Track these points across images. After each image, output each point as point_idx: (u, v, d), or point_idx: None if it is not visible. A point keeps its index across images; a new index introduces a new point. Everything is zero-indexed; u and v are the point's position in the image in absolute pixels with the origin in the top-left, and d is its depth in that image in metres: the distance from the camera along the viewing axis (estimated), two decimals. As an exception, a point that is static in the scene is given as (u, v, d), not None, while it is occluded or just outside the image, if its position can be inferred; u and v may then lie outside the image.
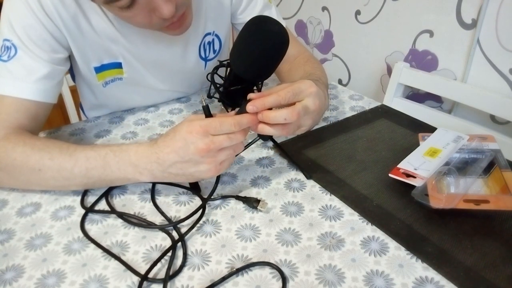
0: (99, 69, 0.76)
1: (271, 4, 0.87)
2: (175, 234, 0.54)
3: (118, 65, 0.77)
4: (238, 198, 0.59)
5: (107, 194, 0.61)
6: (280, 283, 0.46)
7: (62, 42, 0.68)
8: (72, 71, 0.82)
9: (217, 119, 0.52)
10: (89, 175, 0.57)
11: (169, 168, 0.54)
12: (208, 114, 0.55)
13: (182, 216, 0.56)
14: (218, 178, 0.59)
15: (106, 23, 0.70)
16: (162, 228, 0.54)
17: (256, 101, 0.54)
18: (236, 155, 0.60)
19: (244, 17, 0.87)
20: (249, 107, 0.53)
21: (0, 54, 0.64)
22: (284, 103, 0.55)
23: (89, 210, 0.58)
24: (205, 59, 0.87)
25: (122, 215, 0.57)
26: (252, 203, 0.57)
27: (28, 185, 0.61)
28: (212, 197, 0.58)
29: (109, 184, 0.60)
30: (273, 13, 0.88)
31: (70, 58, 0.73)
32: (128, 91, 0.83)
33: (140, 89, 0.83)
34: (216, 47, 0.87)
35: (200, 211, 0.57)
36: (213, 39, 0.85)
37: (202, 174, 0.54)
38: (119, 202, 0.60)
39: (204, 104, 0.55)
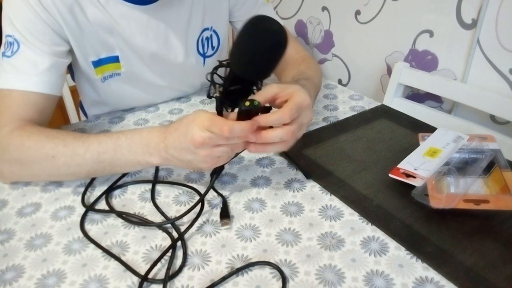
0: (97, 64, 0.76)
1: (268, 4, 0.87)
2: (175, 235, 0.54)
3: (115, 59, 0.77)
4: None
5: (107, 193, 0.61)
6: (280, 283, 0.46)
7: (61, 35, 0.69)
8: (71, 69, 0.82)
9: (219, 121, 0.51)
10: (100, 159, 0.57)
11: (172, 150, 0.55)
12: (219, 106, 0.55)
13: (183, 217, 0.56)
14: (215, 175, 0.59)
15: (103, 14, 0.70)
16: (159, 226, 0.54)
17: (261, 119, 0.53)
18: (237, 154, 0.60)
19: (241, 15, 0.87)
20: (254, 122, 0.52)
21: (4, 51, 0.65)
22: (288, 122, 0.54)
23: (90, 208, 0.58)
24: (204, 55, 0.87)
25: (121, 214, 0.57)
26: None
27: (40, 173, 0.61)
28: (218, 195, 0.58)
29: (119, 170, 0.60)
30: (270, 12, 0.88)
31: (70, 52, 0.74)
32: (127, 87, 0.83)
33: (139, 85, 0.83)
34: (215, 43, 0.87)
35: (200, 212, 0.57)
36: (211, 35, 0.86)
37: (198, 163, 0.55)
38: (119, 202, 0.60)
39: (218, 95, 0.54)
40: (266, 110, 0.55)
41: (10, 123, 0.62)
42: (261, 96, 0.55)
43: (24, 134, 0.60)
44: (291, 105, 0.54)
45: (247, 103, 0.53)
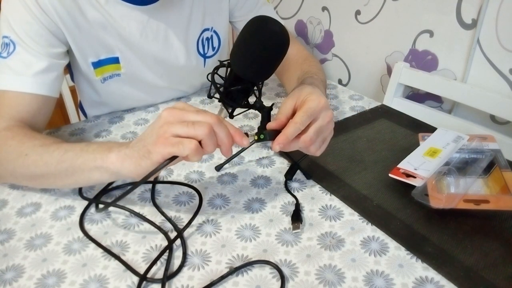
0: (97, 65, 0.76)
1: (269, 4, 0.87)
2: (175, 234, 0.54)
3: (115, 60, 0.77)
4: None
5: (105, 191, 0.61)
6: (280, 283, 0.46)
7: (59, 36, 0.69)
8: (70, 69, 0.82)
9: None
10: (64, 158, 0.54)
11: (135, 141, 0.50)
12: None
13: (182, 216, 0.56)
14: (197, 210, 0.57)
15: (102, 15, 0.70)
16: (154, 224, 0.54)
17: (280, 139, 0.52)
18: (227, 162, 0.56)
19: (242, 15, 0.87)
20: (276, 147, 0.52)
21: (0, 52, 0.65)
22: (303, 128, 0.53)
23: (92, 201, 0.58)
24: (204, 56, 0.87)
25: (122, 208, 0.57)
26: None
27: (12, 174, 0.60)
28: (211, 197, 0.58)
29: (79, 176, 0.54)
30: (271, 12, 0.88)
31: (69, 53, 0.74)
32: (127, 87, 0.83)
33: (139, 86, 0.83)
34: (215, 44, 0.87)
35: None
36: (211, 35, 0.86)
37: (152, 142, 0.47)
38: (119, 202, 0.60)
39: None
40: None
41: (1, 123, 0.62)
42: (281, 115, 0.55)
43: (9, 134, 0.60)
44: (301, 112, 0.53)
45: (256, 137, 0.54)
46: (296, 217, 0.55)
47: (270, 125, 0.55)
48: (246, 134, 0.52)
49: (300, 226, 0.54)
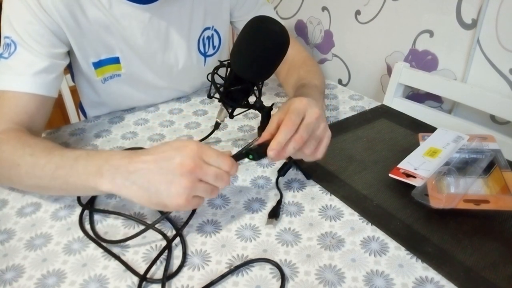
0: (98, 65, 0.76)
1: (269, 4, 0.87)
2: (174, 233, 0.54)
3: (116, 60, 0.77)
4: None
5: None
6: (280, 283, 0.46)
7: (61, 37, 0.69)
8: (71, 70, 0.82)
9: (215, 151, 0.50)
10: (56, 175, 0.53)
11: (135, 174, 0.48)
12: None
13: (182, 216, 0.56)
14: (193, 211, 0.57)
15: (103, 14, 0.70)
16: (153, 226, 0.54)
17: (273, 146, 0.52)
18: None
19: (242, 15, 0.88)
20: (270, 153, 0.52)
21: (1, 52, 0.65)
22: (295, 128, 0.53)
23: (86, 207, 0.58)
24: (205, 55, 0.87)
25: (119, 214, 0.57)
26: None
27: (9, 181, 0.60)
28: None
29: (75, 191, 0.56)
30: (271, 12, 0.88)
31: (70, 53, 0.74)
32: (127, 88, 0.83)
33: (139, 86, 0.84)
34: (216, 43, 0.87)
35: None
36: (212, 34, 0.86)
37: (170, 196, 0.47)
38: (119, 202, 0.60)
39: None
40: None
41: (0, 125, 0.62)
42: (267, 133, 0.54)
43: (4, 138, 0.59)
44: (288, 114, 0.53)
45: (250, 157, 0.54)
46: (273, 213, 0.55)
47: (259, 141, 0.55)
48: (249, 151, 0.54)
49: (274, 222, 0.54)
